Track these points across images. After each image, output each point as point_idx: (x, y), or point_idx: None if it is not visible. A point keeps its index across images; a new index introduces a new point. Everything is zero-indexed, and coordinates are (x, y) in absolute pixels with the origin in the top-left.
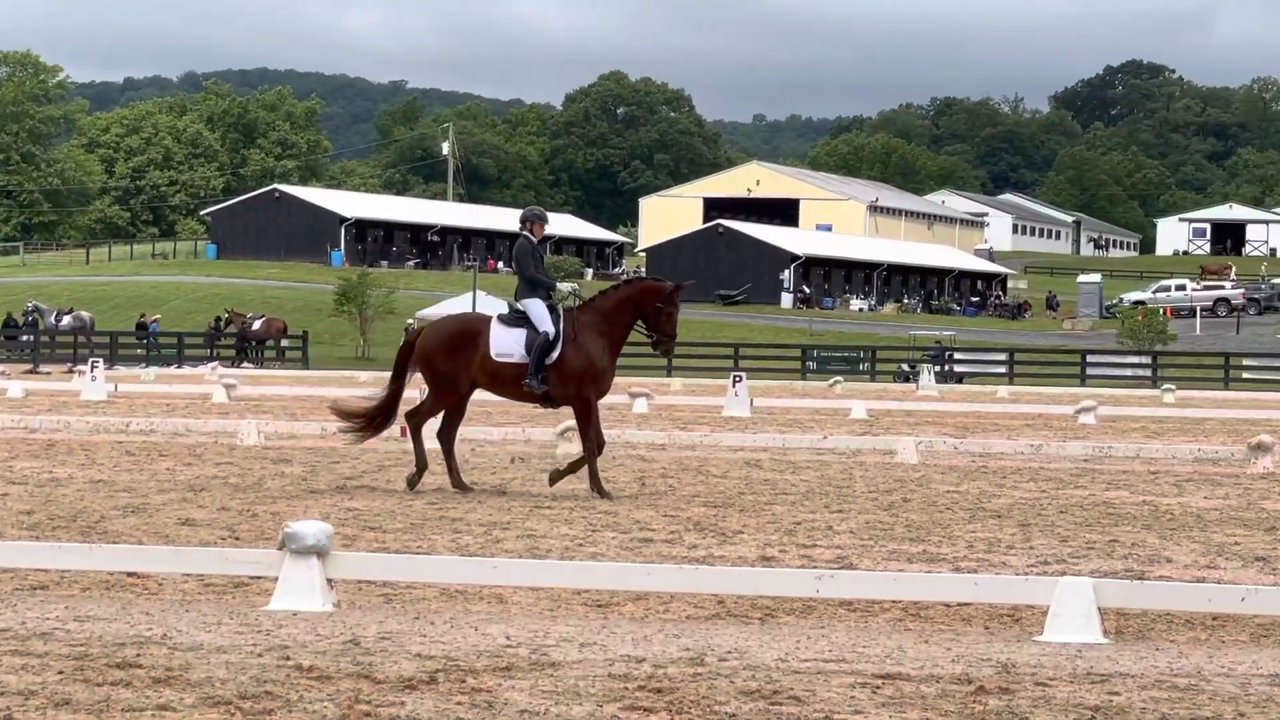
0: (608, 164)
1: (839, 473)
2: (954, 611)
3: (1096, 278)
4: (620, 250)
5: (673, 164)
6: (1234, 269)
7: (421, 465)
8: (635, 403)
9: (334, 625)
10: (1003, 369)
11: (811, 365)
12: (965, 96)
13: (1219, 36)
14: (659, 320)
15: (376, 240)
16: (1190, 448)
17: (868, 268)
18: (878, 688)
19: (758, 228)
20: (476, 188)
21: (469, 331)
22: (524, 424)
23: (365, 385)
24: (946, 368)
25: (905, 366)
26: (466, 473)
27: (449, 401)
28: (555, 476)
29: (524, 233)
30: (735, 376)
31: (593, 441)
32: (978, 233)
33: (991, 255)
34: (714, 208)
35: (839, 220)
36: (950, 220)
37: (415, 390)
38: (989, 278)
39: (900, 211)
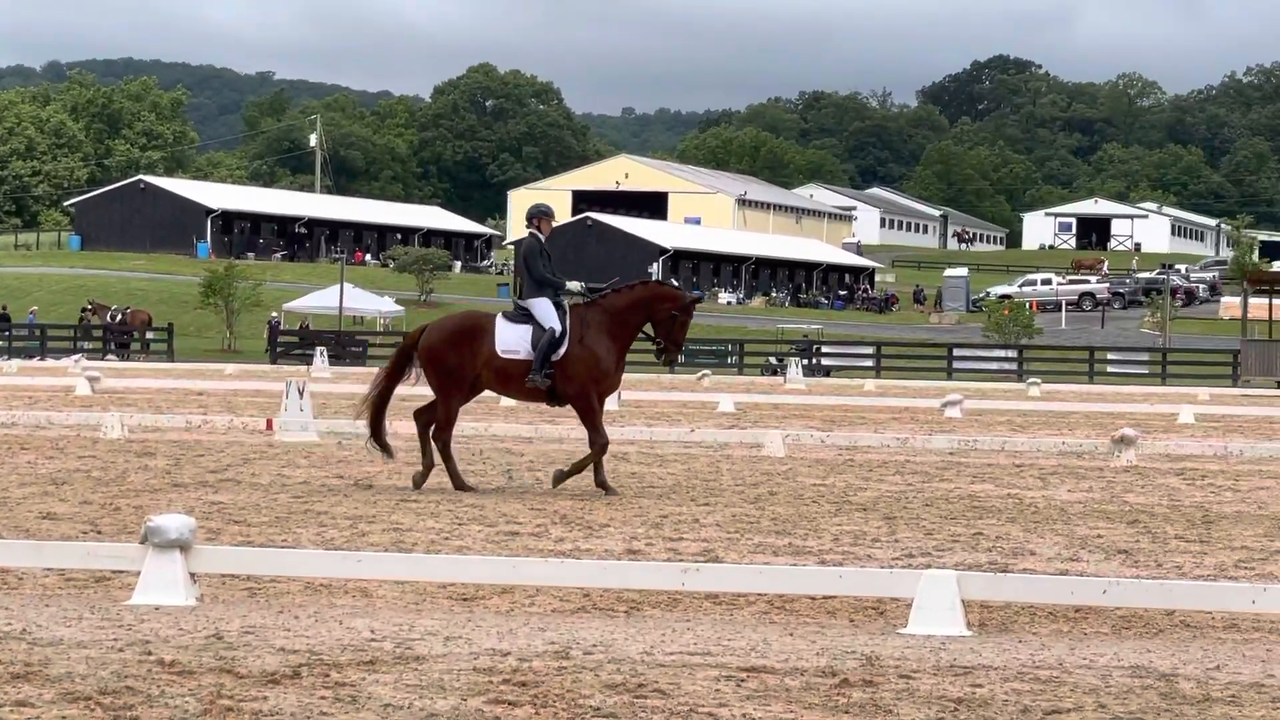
0: (476, 156)
1: (706, 466)
2: (819, 604)
3: (963, 271)
4: (489, 243)
5: (541, 157)
6: (1106, 263)
7: (428, 464)
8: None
9: (197, 620)
10: (870, 362)
11: (679, 358)
12: (833, 91)
13: (1084, 32)
14: (671, 328)
15: (243, 232)
16: (1055, 441)
17: (736, 261)
18: (742, 681)
19: (626, 221)
20: (344, 180)
21: (474, 328)
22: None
23: (232, 379)
24: (814, 361)
25: (773, 360)
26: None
27: (455, 398)
28: (559, 477)
29: (531, 230)
30: None
31: (601, 436)
32: (846, 226)
33: (859, 249)
34: (583, 200)
35: (708, 213)
36: (818, 214)
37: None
38: (856, 271)
39: (768, 205)
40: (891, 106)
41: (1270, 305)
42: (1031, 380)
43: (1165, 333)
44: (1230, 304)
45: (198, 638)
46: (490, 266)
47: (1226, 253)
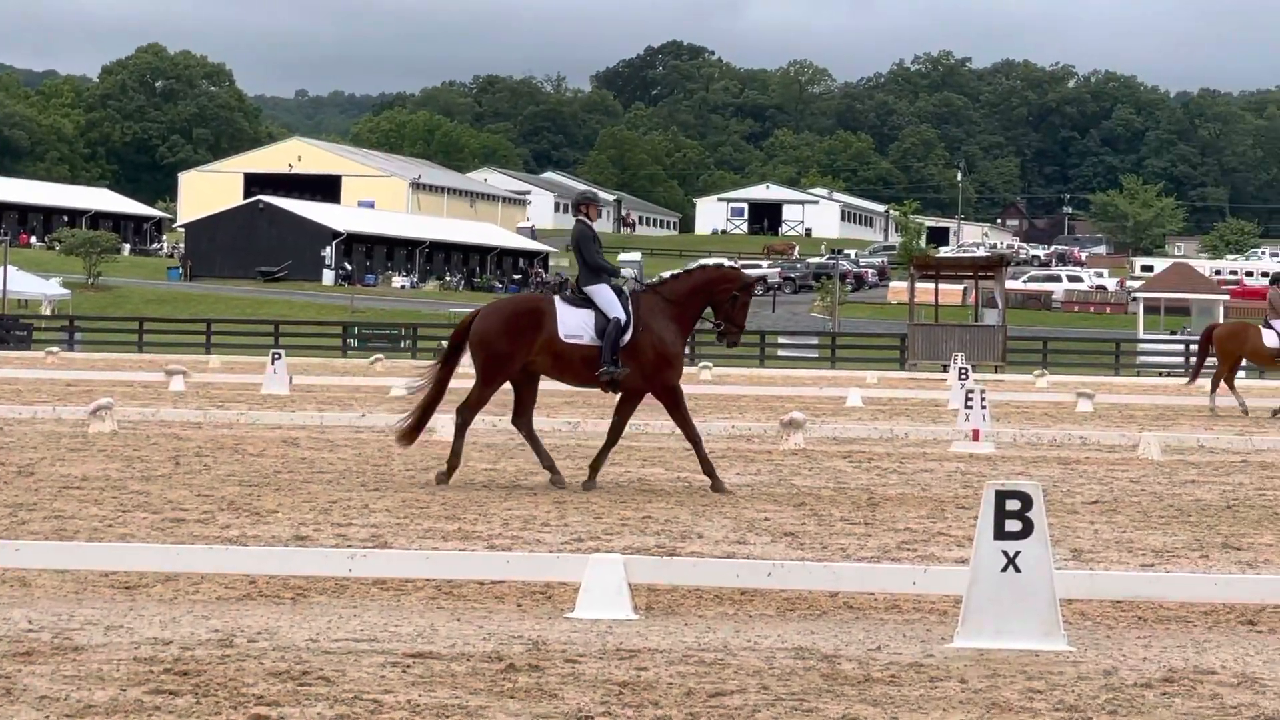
0: (146, 138)
1: (377, 451)
2: (487, 589)
3: (637, 256)
4: (159, 226)
5: (213, 139)
6: (797, 248)
7: (454, 463)
8: (172, 380)
9: None
10: None
11: (353, 343)
12: (508, 75)
13: (756, 20)
14: (733, 310)
15: None
16: (725, 424)
17: (410, 245)
18: (408, 667)
19: (299, 204)
20: (8, 160)
21: (532, 311)
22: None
23: None
24: None
25: (445, 344)
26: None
27: (495, 386)
28: (590, 478)
29: (580, 217)
30: (274, 354)
31: (693, 425)
32: (520, 211)
33: (534, 233)
34: (255, 183)
35: (381, 197)
36: (493, 198)
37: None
38: (531, 255)
39: (443, 189)
40: (566, 91)
41: (936, 290)
42: (703, 364)
43: (835, 317)
44: (898, 288)
45: None
46: (160, 249)
47: (895, 238)
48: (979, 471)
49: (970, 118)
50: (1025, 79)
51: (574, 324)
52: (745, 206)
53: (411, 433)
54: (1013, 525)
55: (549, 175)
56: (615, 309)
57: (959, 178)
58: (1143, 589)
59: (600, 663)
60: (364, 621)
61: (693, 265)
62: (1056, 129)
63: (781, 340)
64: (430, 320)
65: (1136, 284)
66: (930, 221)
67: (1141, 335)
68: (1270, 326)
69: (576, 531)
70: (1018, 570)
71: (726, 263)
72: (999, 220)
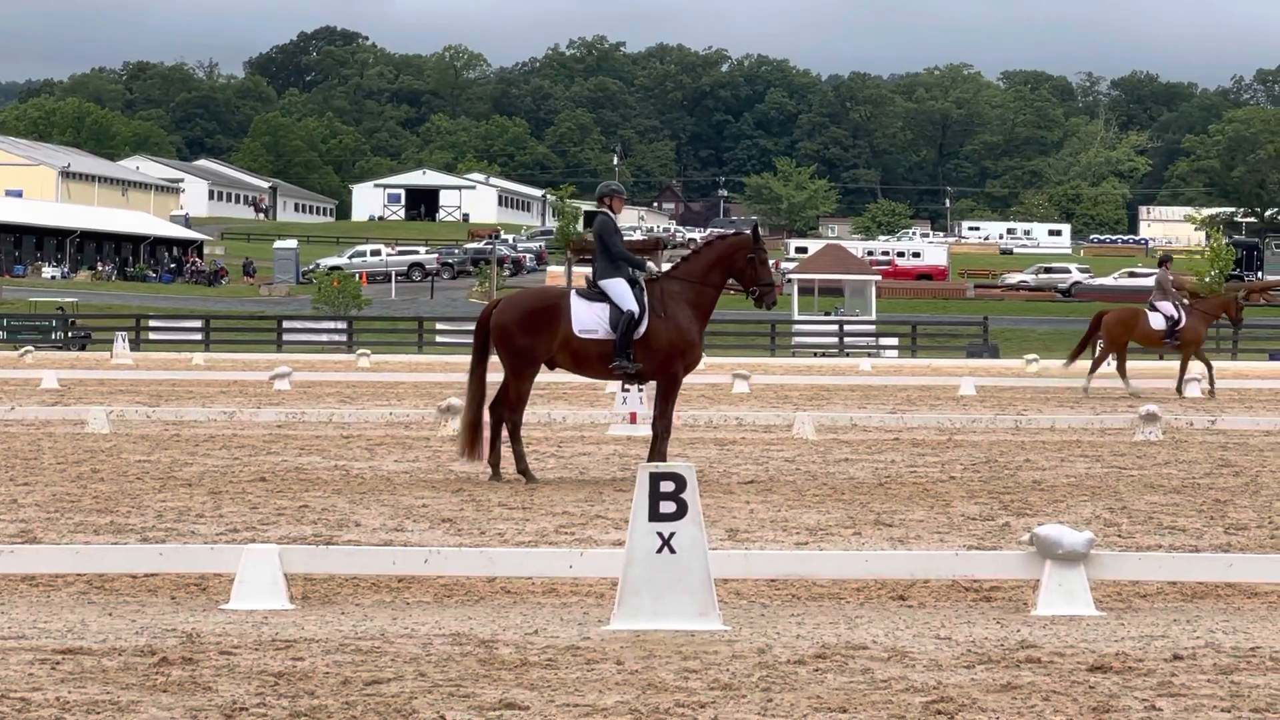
0: None
1: (26, 445)
2: (141, 582)
3: (293, 244)
4: None
5: None
6: (501, 231)
7: (494, 460)
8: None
9: None
10: (199, 336)
11: (1, 335)
12: (159, 61)
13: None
14: (755, 272)
15: None
16: (382, 411)
17: (60, 235)
18: (58, 664)
19: None
20: None
21: (549, 306)
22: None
23: None
24: (69, 335)
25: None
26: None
27: (528, 380)
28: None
29: (603, 210)
30: None
31: (667, 420)
32: (174, 199)
33: (188, 221)
34: None
35: (29, 186)
36: (145, 186)
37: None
38: (185, 244)
39: (94, 177)
40: (219, 77)
41: None
42: (361, 351)
43: (495, 299)
44: (555, 273)
45: None
46: None
47: (552, 223)
48: (637, 454)
49: (626, 102)
50: (679, 63)
51: (589, 319)
52: (402, 192)
53: (472, 447)
54: (667, 507)
55: (202, 163)
56: (628, 301)
57: (615, 161)
58: (796, 567)
59: (255, 654)
60: (11, 619)
61: (700, 242)
62: (711, 112)
63: (440, 326)
64: (86, 311)
65: (790, 265)
66: (587, 205)
67: (796, 316)
68: (1156, 309)
69: (232, 523)
70: (673, 551)
71: (729, 232)
72: (655, 203)
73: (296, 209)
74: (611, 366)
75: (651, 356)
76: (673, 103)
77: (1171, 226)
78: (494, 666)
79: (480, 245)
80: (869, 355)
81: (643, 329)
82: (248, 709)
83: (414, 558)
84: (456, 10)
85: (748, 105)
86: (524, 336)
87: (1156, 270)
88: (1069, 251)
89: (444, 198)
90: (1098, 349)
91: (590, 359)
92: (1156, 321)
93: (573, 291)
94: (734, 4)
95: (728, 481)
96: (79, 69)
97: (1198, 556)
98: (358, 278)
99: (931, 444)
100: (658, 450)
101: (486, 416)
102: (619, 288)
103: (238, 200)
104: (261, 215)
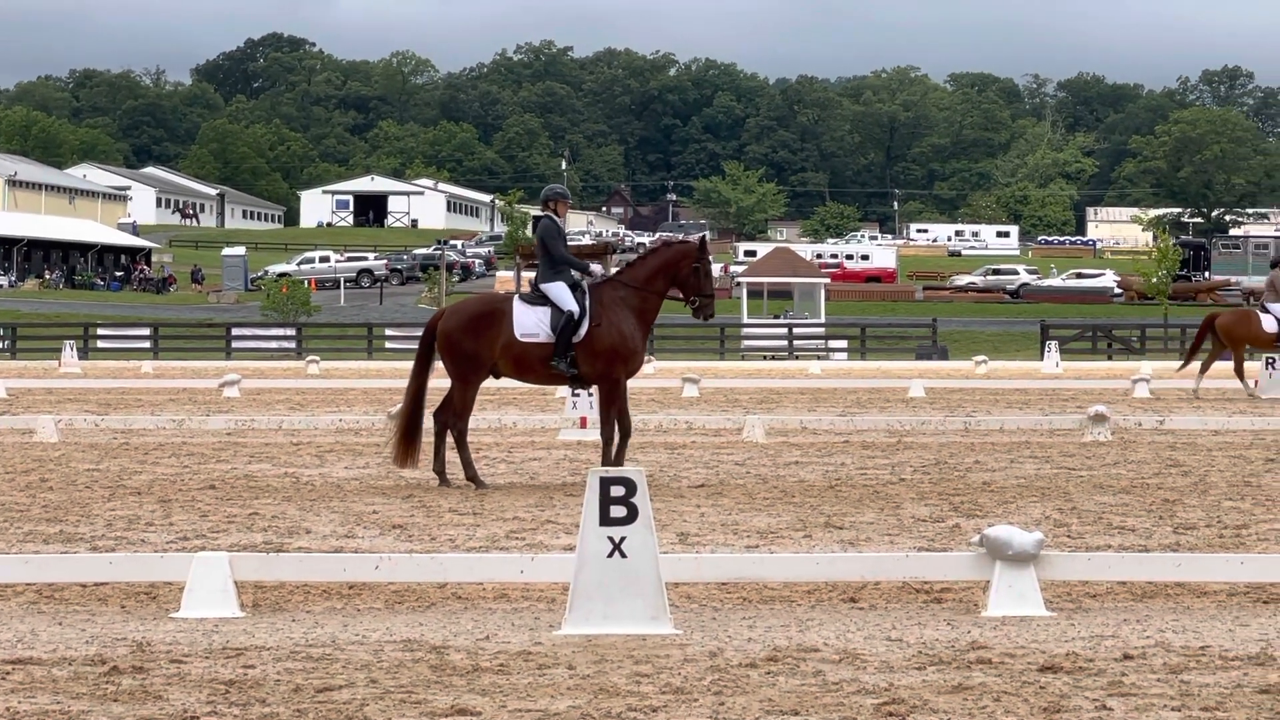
0: None
1: None
2: (90, 591)
3: (241, 250)
4: None
5: None
6: (481, 235)
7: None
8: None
9: None
10: (148, 344)
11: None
12: (106, 69)
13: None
14: (696, 281)
15: None
16: (332, 418)
17: (7, 244)
18: (7, 674)
19: None
20: None
21: (492, 311)
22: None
23: None
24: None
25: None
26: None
27: (474, 386)
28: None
29: (548, 213)
30: None
31: (613, 425)
32: (121, 206)
33: (135, 229)
34: None
35: None
36: (93, 194)
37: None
38: (133, 252)
39: (41, 185)
40: (166, 85)
41: None
42: (310, 358)
43: (442, 308)
44: (504, 278)
45: None
46: None
47: (501, 228)
48: (587, 459)
49: (574, 106)
50: (627, 67)
51: (530, 323)
52: (351, 199)
53: (405, 455)
54: (617, 511)
55: (150, 170)
56: (568, 303)
57: (563, 166)
58: (747, 570)
59: (206, 662)
60: None
61: (647, 247)
62: (659, 116)
63: (389, 332)
64: (29, 320)
65: (739, 269)
66: (536, 211)
67: (745, 320)
68: (1269, 311)
69: (182, 530)
70: (624, 556)
71: (678, 237)
72: (604, 208)
73: (245, 216)
74: (550, 363)
75: (593, 360)
76: (621, 107)
77: (1119, 227)
78: (446, 672)
79: (430, 250)
80: (818, 358)
81: (583, 331)
82: (199, 717)
83: (365, 564)
84: (404, 16)
85: (696, 109)
86: (468, 342)
87: (1270, 272)
88: (1017, 253)
89: (393, 203)
90: (1212, 352)
91: (532, 363)
92: (1269, 324)
93: (515, 296)
94: (681, 7)
95: (678, 485)
96: (25, 76)
97: (1147, 556)
98: (306, 284)
99: (881, 446)
100: (608, 455)
101: (429, 424)
102: (559, 290)
103: (186, 207)
104: (189, 221)
